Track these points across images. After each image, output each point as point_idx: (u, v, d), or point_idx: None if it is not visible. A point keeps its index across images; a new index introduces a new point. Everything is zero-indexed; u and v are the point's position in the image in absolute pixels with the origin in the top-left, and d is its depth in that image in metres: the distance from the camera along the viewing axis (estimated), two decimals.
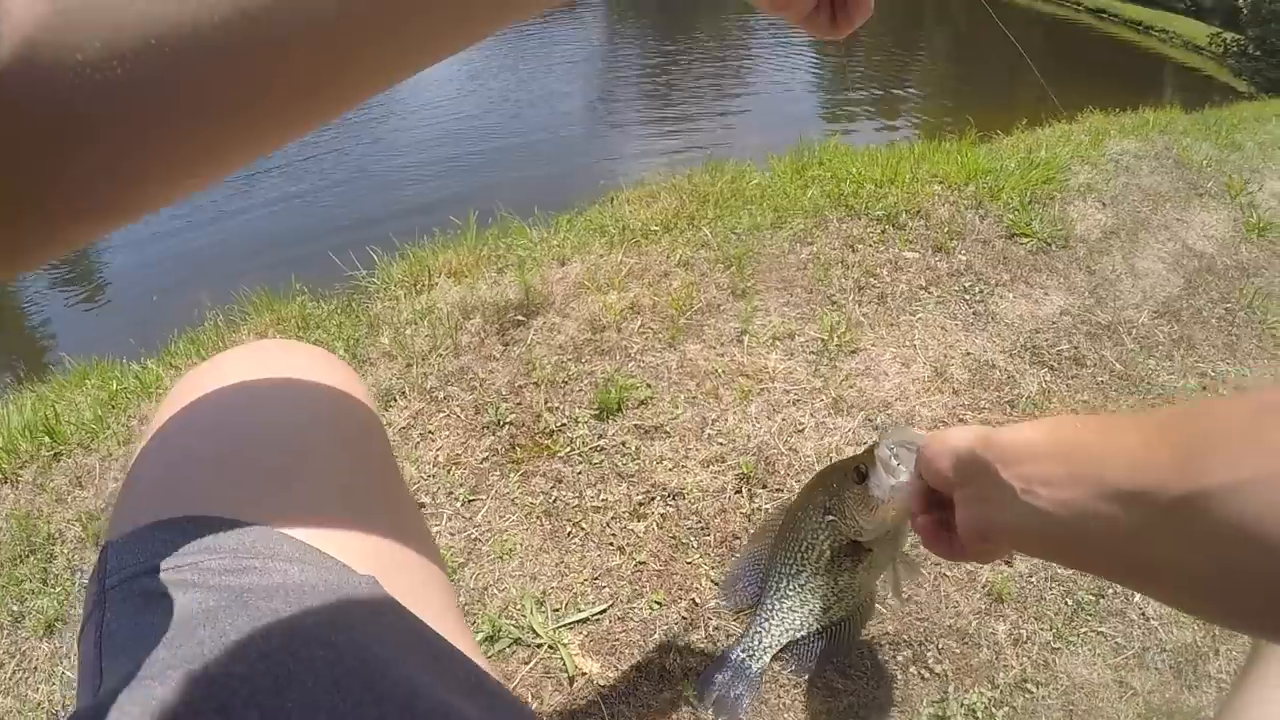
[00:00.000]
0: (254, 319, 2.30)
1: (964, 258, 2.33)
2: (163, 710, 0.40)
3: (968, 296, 2.17)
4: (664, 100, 10.12)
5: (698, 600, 1.38)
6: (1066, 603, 1.42)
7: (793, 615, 1.00)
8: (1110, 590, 1.44)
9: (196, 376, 0.61)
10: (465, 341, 1.95)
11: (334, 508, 0.56)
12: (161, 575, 0.48)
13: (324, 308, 2.27)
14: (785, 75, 11.86)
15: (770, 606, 1.01)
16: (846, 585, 0.94)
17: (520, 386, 1.80)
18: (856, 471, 0.79)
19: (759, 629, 1.04)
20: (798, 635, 1.02)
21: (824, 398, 1.76)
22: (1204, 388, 1.96)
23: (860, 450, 0.81)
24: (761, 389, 1.78)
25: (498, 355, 1.91)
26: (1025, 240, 2.46)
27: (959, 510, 0.59)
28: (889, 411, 1.75)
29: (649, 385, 1.78)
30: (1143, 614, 1.42)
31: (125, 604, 0.48)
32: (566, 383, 1.80)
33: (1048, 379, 1.91)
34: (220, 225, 6.41)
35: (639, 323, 1.97)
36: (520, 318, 2.00)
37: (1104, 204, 2.79)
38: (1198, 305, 2.30)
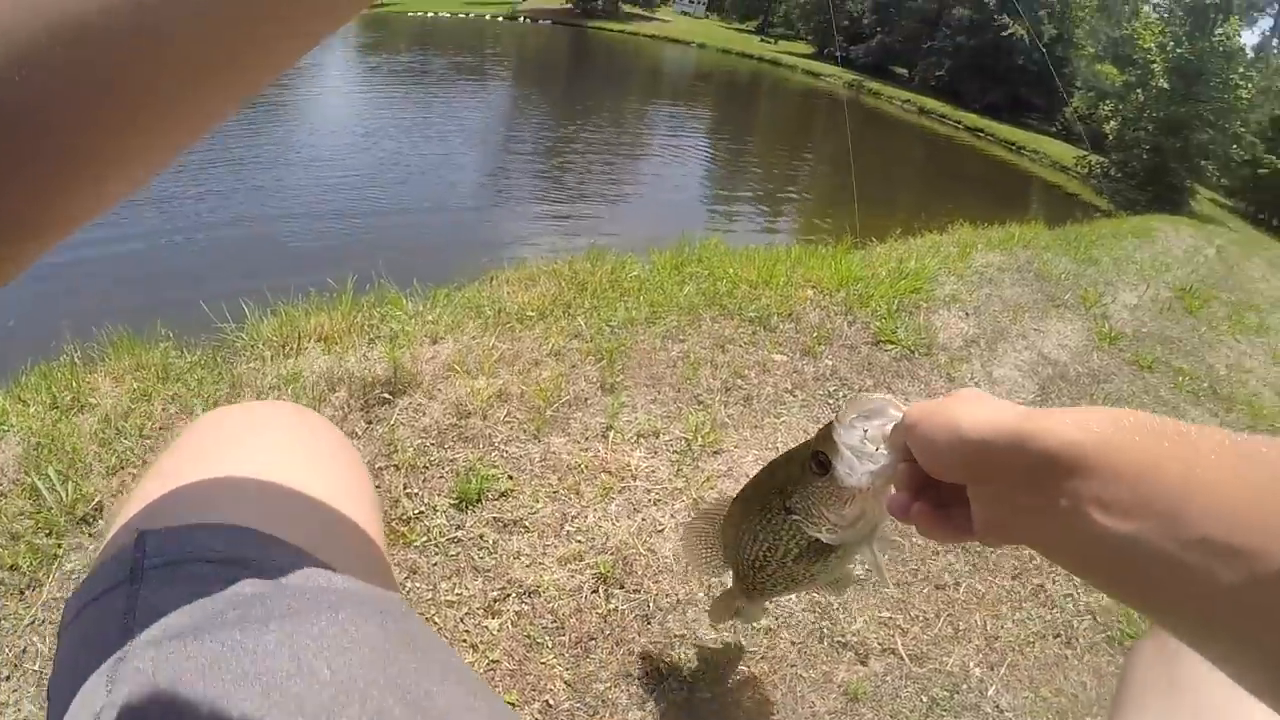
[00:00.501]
0: (113, 361, 2.14)
1: (830, 362, 2.43)
2: (253, 652, 0.46)
3: (831, 401, 2.25)
4: (556, 182, 10.30)
5: (551, 702, 1.35)
6: (921, 699, 1.45)
7: (769, 591, 0.92)
8: (964, 685, 1.48)
9: (239, 413, 0.72)
10: (328, 414, 1.88)
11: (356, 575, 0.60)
12: (218, 565, 0.51)
13: (187, 359, 2.14)
14: (676, 168, 12.29)
15: (746, 585, 0.93)
16: (820, 571, 0.84)
17: (380, 468, 1.75)
18: (815, 462, 0.67)
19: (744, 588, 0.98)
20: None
21: (685, 498, 1.78)
22: None
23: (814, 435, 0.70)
24: (623, 487, 1.79)
25: (360, 433, 1.85)
26: (890, 347, 2.59)
27: (976, 507, 0.49)
28: None
29: (511, 477, 1.76)
30: (997, 707, 1.46)
31: (172, 583, 0.50)
32: (427, 468, 1.76)
33: None
34: (92, 253, 6.08)
35: (505, 411, 1.95)
36: (386, 395, 1.95)
37: (967, 314, 2.97)
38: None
